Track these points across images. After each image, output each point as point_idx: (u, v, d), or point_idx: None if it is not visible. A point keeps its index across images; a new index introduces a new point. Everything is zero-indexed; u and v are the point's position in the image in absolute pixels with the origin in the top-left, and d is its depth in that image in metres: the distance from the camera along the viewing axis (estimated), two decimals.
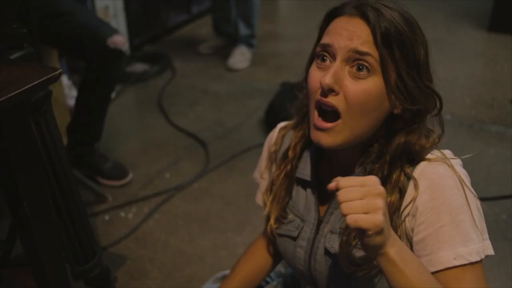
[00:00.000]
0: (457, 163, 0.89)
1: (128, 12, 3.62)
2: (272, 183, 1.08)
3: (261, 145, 2.57)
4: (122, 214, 2.18)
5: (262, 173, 1.14)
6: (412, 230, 0.88)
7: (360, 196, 0.74)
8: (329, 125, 0.86)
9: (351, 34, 0.84)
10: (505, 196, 2.17)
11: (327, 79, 0.83)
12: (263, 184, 1.14)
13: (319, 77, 0.86)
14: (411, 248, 0.89)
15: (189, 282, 1.84)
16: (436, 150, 0.91)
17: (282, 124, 1.14)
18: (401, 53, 0.84)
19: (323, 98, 0.85)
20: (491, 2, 3.92)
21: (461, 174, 0.87)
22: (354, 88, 0.84)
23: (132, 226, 2.10)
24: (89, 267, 1.46)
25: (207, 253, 1.96)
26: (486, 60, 3.66)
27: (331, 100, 0.85)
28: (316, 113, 0.88)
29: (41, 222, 1.08)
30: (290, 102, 3.00)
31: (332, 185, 0.77)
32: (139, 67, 3.48)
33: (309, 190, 1.02)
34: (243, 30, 3.49)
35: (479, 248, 0.84)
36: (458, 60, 3.53)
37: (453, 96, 2.98)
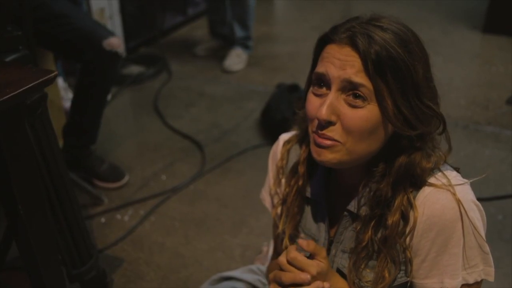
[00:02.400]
0: (463, 190, 0.87)
1: (124, 14, 3.62)
2: (283, 200, 1.06)
3: (257, 146, 2.59)
4: (118, 216, 2.18)
5: (271, 190, 1.12)
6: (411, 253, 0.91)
7: None
8: (329, 142, 0.85)
9: (344, 63, 0.82)
10: (500, 196, 2.17)
11: (324, 112, 0.83)
12: (274, 200, 1.12)
13: (316, 104, 0.86)
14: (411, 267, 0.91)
15: (186, 285, 1.83)
16: (441, 174, 0.89)
17: (285, 137, 1.10)
18: (396, 80, 0.82)
19: (319, 132, 0.85)
20: (485, 3, 3.93)
21: (464, 202, 0.86)
22: (351, 116, 0.83)
23: (128, 229, 2.10)
24: (85, 270, 1.46)
25: (204, 255, 1.96)
26: (481, 61, 3.67)
27: (328, 132, 0.84)
28: (314, 135, 0.88)
29: (37, 225, 1.08)
30: (286, 103, 3.00)
31: None
32: (135, 69, 3.47)
33: (319, 210, 1.01)
34: (238, 32, 3.49)
35: (466, 279, 0.90)
36: (453, 61, 3.54)
37: (448, 97, 2.99)
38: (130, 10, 3.73)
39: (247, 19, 3.47)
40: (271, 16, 4.72)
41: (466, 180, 0.89)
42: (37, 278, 1.13)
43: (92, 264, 1.47)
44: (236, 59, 3.51)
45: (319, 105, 0.85)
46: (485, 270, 0.90)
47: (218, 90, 3.25)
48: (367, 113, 0.83)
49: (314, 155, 0.88)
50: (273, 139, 1.15)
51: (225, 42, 3.65)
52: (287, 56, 3.70)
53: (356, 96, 0.82)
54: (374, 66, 0.81)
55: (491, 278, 0.91)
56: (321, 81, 0.86)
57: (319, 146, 0.86)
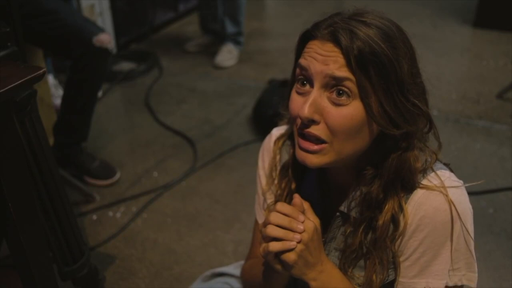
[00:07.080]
0: (456, 192, 0.86)
1: (114, 10, 3.60)
2: (276, 201, 1.04)
3: (249, 142, 2.59)
4: (110, 213, 2.17)
5: (263, 189, 1.08)
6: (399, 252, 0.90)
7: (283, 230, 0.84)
8: (315, 147, 0.83)
9: (326, 59, 0.80)
10: (491, 190, 2.18)
11: (306, 111, 0.80)
12: (267, 199, 1.08)
13: (298, 103, 0.83)
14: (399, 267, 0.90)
15: (178, 281, 1.83)
16: (433, 174, 0.87)
17: (276, 133, 1.07)
18: (380, 76, 0.79)
19: (304, 131, 0.83)
20: None
21: (457, 204, 0.84)
22: (335, 114, 0.80)
23: (120, 226, 2.09)
24: (77, 267, 1.45)
25: (196, 251, 1.96)
26: (472, 55, 3.68)
27: (313, 130, 0.82)
28: (299, 137, 0.85)
29: (27, 223, 1.07)
30: (278, 98, 3.00)
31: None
32: (125, 65, 3.46)
33: (312, 209, 0.98)
34: (230, 27, 3.48)
35: (448, 282, 0.88)
36: (445, 56, 3.55)
37: (439, 92, 3.00)
38: (120, 6, 3.71)
39: (238, 15, 3.46)
40: (263, 11, 4.71)
41: (460, 182, 0.88)
42: (28, 276, 1.13)
43: (84, 261, 1.47)
44: (227, 55, 3.50)
45: (302, 104, 0.82)
46: (467, 276, 0.89)
47: (209, 86, 3.25)
48: (352, 111, 0.80)
49: (299, 158, 0.86)
50: (265, 134, 1.13)
51: (216, 38, 3.65)
52: (278, 52, 3.69)
53: (340, 93, 0.80)
54: (357, 61, 0.78)
55: (473, 284, 0.89)
56: (303, 79, 0.84)
57: (305, 150, 0.84)
